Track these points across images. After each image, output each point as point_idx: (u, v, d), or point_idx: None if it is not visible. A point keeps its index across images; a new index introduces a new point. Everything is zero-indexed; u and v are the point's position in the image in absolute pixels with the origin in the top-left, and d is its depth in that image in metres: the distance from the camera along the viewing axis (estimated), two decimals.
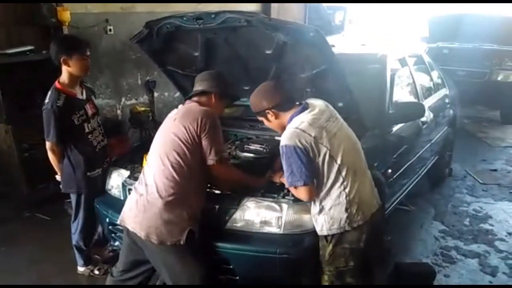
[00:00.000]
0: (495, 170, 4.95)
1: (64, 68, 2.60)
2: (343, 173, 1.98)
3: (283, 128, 2.06)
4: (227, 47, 2.63)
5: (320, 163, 1.96)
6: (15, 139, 3.81)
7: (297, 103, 2.12)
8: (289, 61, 2.49)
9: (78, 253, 2.94)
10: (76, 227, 2.87)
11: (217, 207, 2.24)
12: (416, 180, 3.66)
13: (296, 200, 2.12)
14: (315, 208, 2.05)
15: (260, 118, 2.21)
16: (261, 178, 2.29)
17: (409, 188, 3.49)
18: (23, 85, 3.84)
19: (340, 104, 2.58)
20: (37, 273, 3.02)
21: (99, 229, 3.07)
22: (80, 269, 2.97)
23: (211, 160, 2.06)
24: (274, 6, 6.92)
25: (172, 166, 2.04)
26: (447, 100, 4.34)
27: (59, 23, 4.21)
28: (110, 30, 4.80)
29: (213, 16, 2.32)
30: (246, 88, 2.88)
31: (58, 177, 2.78)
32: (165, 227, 1.99)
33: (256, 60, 2.64)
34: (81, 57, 2.59)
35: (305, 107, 2.06)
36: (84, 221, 2.83)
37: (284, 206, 2.16)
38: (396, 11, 13.93)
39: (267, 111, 2.09)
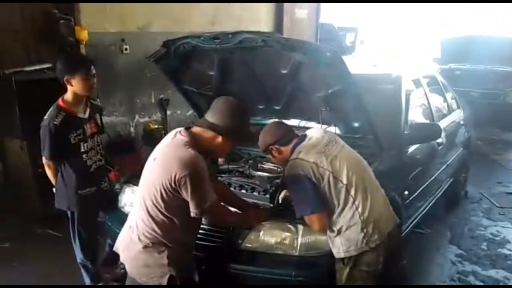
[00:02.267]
0: (511, 193, 4.85)
1: (68, 87, 2.59)
2: (352, 193, 1.97)
3: (287, 161, 2.10)
4: (243, 67, 2.65)
5: (326, 187, 1.97)
6: (29, 155, 3.84)
7: (297, 135, 2.19)
8: (305, 80, 2.50)
9: (84, 271, 2.90)
10: (76, 244, 2.83)
11: (231, 227, 2.20)
12: (432, 202, 3.59)
13: None
14: (331, 230, 2.02)
15: (268, 156, 2.28)
16: (262, 212, 2.22)
17: (425, 210, 3.42)
18: (40, 102, 3.88)
19: (356, 124, 2.59)
20: None
21: (107, 247, 3.05)
22: None
23: (192, 212, 1.85)
24: (286, 25, 6.99)
25: (148, 211, 1.88)
26: (462, 122, 4.30)
27: (77, 41, 4.30)
28: (126, 49, 4.89)
29: (230, 36, 2.34)
30: (261, 107, 2.90)
31: (54, 190, 2.77)
32: (145, 270, 1.91)
33: (271, 79, 2.65)
34: (84, 76, 2.55)
35: (303, 138, 2.14)
36: (81, 239, 2.79)
37: (300, 227, 2.13)
38: (408, 31, 14.00)
39: (270, 147, 2.17)
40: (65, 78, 2.55)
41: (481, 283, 3.14)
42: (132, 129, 5.24)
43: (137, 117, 5.29)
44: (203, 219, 2.08)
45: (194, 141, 1.89)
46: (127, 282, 2.16)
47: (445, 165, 3.74)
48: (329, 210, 1.99)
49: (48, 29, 4.24)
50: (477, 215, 4.29)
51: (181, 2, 5.30)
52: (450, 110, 4.15)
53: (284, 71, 2.49)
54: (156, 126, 5.15)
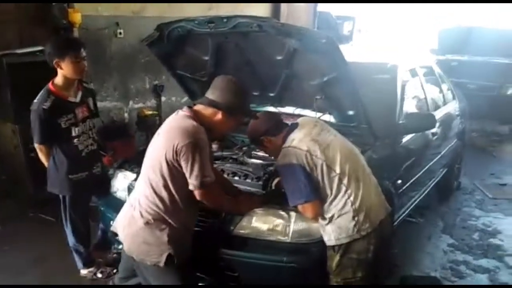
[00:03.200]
0: (505, 184, 4.88)
1: (58, 70, 2.55)
2: (345, 181, 1.97)
3: (279, 151, 2.07)
4: (238, 52, 2.62)
5: (320, 176, 1.96)
6: (22, 139, 3.80)
7: (288, 124, 2.17)
8: (300, 67, 2.47)
9: (76, 255, 2.90)
10: (68, 228, 2.83)
11: (223, 213, 2.20)
12: (425, 192, 3.60)
13: None
14: (322, 218, 2.02)
15: (260, 148, 2.29)
16: (254, 201, 2.20)
17: (418, 200, 3.43)
18: (32, 85, 3.83)
19: (351, 113, 2.57)
20: (39, 274, 2.99)
21: (99, 232, 3.04)
22: (83, 271, 2.93)
23: (191, 185, 1.87)
24: (283, 13, 6.93)
25: (152, 186, 1.91)
26: (457, 113, 4.30)
27: (70, 24, 4.23)
28: (120, 33, 4.83)
29: (225, 20, 2.31)
30: (256, 93, 2.87)
31: (47, 173, 2.76)
32: (144, 247, 1.91)
33: (266, 66, 2.62)
34: (74, 59, 2.51)
35: (294, 127, 2.12)
36: (73, 223, 2.79)
37: (292, 214, 2.12)
38: (406, 21, 13.94)
39: (261, 138, 2.15)
40: (54, 61, 2.51)
41: (472, 272, 3.16)
42: (126, 114, 5.20)
43: (131, 102, 5.25)
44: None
45: (196, 117, 1.95)
46: (124, 260, 2.17)
47: (439, 156, 3.74)
48: (321, 198, 1.98)
49: (41, 11, 4.16)
50: (470, 206, 4.31)
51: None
52: (446, 101, 4.14)
53: (279, 58, 2.46)
54: (150, 112, 5.12)
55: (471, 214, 4.12)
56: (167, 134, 1.92)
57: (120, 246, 2.71)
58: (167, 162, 1.86)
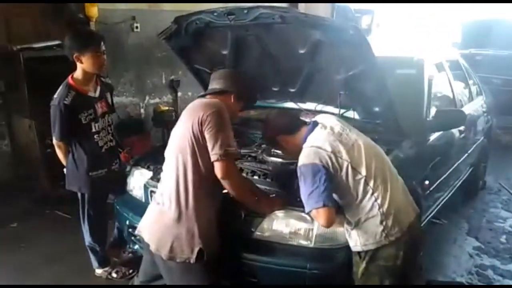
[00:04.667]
0: None
1: (78, 65, 2.50)
2: (371, 184, 1.83)
3: (299, 151, 1.93)
4: (258, 46, 2.50)
5: (344, 178, 1.83)
6: (38, 134, 3.78)
7: (305, 122, 2.07)
8: (324, 61, 2.35)
9: (92, 254, 2.85)
10: (85, 227, 2.78)
11: (243, 214, 2.10)
12: (451, 192, 3.45)
13: None
14: (348, 222, 1.91)
15: (278, 149, 2.22)
16: (276, 201, 2.09)
17: (444, 200, 3.28)
18: (49, 80, 3.80)
19: (376, 109, 2.44)
20: (54, 273, 2.94)
21: (115, 230, 2.99)
22: (98, 271, 2.88)
23: (214, 155, 1.82)
24: (300, 6, 6.78)
25: (183, 173, 1.88)
26: (484, 109, 4.12)
27: (87, 18, 4.19)
28: (136, 27, 4.78)
29: (245, 11, 2.20)
30: (276, 89, 2.76)
31: (65, 171, 2.71)
32: (175, 243, 1.85)
33: (288, 60, 2.50)
34: (94, 53, 2.47)
35: (315, 124, 1.98)
36: (91, 221, 2.73)
37: None
38: (427, 15, 13.58)
39: (277, 138, 2.06)
40: (74, 55, 2.46)
41: (500, 278, 3.01)
42: (142, 110, 5.16)
43: (147, 98, 5.20)
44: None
45: None
46: (145, 264, 2.10)
47: (466, 154, 3.58)
48: (347, 202, 1.87)
49: (58, 5, 4.12)
50: (496, 207, 4.14)
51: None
52: (473, 97, 3.97)
53: (301, 51, 2.34)
54: (166, 108, 5.05)
55: (497, 216, 3.95)
56: (190, 113, 1.95)
57: (136, 247, 2.67)
58: (194, 136, 1.85)
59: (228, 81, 2.07)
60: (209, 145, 1.84)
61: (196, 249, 1.83)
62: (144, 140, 4.60)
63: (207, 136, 1.84)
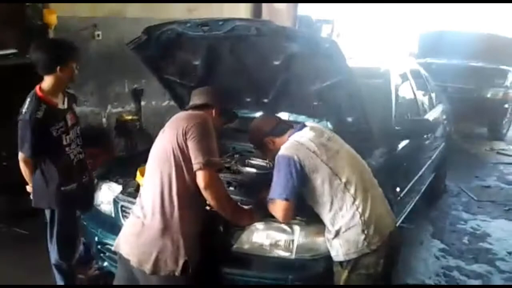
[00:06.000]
0: (488, 186, 4.96)
1: (54, 75, 2.37)
2: (352, 191, 1.86)
3: None
4: (231, 56, 2.47)
5: (319, 181, 1.86)
6: None
7: (292, 126, 2.12)
8: (298, 72, 2.35)
9: (58, 273, 2.68)
10: (53, 244, 2.62)
11: (221, 227, 2.06)
12: (418, 197, 3.56)
13: (309, 222, 1.97)
14: (328, 232, 1.92)
15: (263, 152, 2.22)
16: (255, 214, 2.06)
17: (411, 205, 3.38)
18: (4, 90, 3.59)
19: (350, 119, 2.48)
20: None
21: (81, 247, 2.84)
22: None
23: (197, 164, 1.81)
24: (264, 16, 6.83)
25: (167, 183, 1.84)
26: (444, 116, 4.30)
27: (45, 25, 3.99)
28: (98, 35, 4.60)
29: (220, 23, 2.17)
30: (249, 99, 2.75)
31: (29, 188, 2.55)
32: (160, 255, 1.80)
33: (261, 71, 2.48)
34: (76, 64, 2.42)
35: (302, 127, 2.05)
36: (59, 238, 2.58)
37: (296, 228, 2.00)
38: (385, 25, 14.11)
39: (264, 140, 2.09)
40: (58, 68, 2.33)
41: (466, 278, 3.13)
42: (104, 119, 4.97)
43: (109, 107, 5.01)
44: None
45: None
46: (121, 281, 2.00)
47: (430, 160, 3.72)
48: (326, 210, 1.88)
49: (13, 11, 3.91)
50: (457, 209, 4.33)
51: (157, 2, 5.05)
52: (434, 104, 4.14)
53: (276, 62, 2.33)
54: (130, 117, 4.91)
55: (459, 217, 4.14)
56: (174, 123, 1.95)
57: (105, 263, 2.55)
58: (178, 147, 1.85)
59: (209, 96, 2.11)
60: (192, 155, 1.83)
61: (181, 261, 1.78)
62: (107, 151, 4.43)
63: (190, 146, 1.84)
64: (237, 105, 2.74)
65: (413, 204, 3.42)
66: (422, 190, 3.73)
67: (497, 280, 3.13)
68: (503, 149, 6.47)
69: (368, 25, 13.87)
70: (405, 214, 3.21)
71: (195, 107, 2.07)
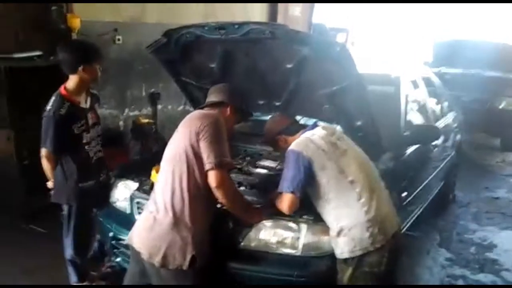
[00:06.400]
0: (498, 198, 4.93)
1: (77, 75, 2.51)
2: (358, 190, 1.94)
3: None
4: (246, 59, 2.58)
5: (326, 178, 1.94)
6: (16, 145, 3.70)
7: (305, 126, 2.22)
8: (310, 76, 2.43)
9: (72, 268, 2.79)
10: (68, 239, 2.74)
11: (231, 224, 2.14)
12: (425, 205, 3.59)
13: (316, 220, 2.04)
14: (333, 229, 1.99)
15: (276, 150, 2.33)
16: (264, 212, 2.15)
17: (418, 213, 3.42)
18: (29, 91, 3.75)
19: (358, 123, 2.55)
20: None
21: (95, 244, 2.95)
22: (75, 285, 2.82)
23: (209, 164, 1.88)
24: (280, 7, 6.93)
25: (179, 181, 1.93)
26: (455, 125, 4.33)
27: (68, 29, 4.17)
28: (118, 39, 4.76)
29: (236, 26, 2.27)
30: (261, 102, 2.84)
31: (50, 184, 2.67)
32: (168, 250, 1.88)
33: (274, 74, 2.58)
34: (99, 64, 2.56)
35: (314, 127, 2.15)
36: (76, 233, 2.69)
37: (303, 226, 2.08)
38: (400, 34, 14.13)
39: (277, 137, 2.18)
40: (81, 66, 2.47)
41: None
42: (121, 122, 5.12)
43: (127, 110, 5.16)
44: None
45: None
46: (132, 274, 2.09)
47: (439, 168, 3.75)
48: (333, 207, 1.96)
49: (39, 15, 4.09)
50: (465, 219, 4.32)
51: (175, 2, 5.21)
52: (445, 112, 4.17)
53: (288, 66, 2.42)
54: (146, 121, 5.03)
55: (467, 228, 4.13)
56: (188, 123, 2.02)
57: (118, 260, 2.65)
58: (191, 146, 1.92)
59: (225, 94, 2.16)
60: (204, 155, 1.90)
61: (189, 256, 1.86)
62: (122, 153, 4.56)
63: (202, 146, 1.90)
64: (251, 106, 2.85)
65: (420, 211, 3.45)
66: (430, 198, 3.75)
67: None
68: None
69: (383, 34, 13.91)
70: (412, 220, 3.25)
71: (211, 105, 2.15)
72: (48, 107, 2.48)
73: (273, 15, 6.96)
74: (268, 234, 2.12)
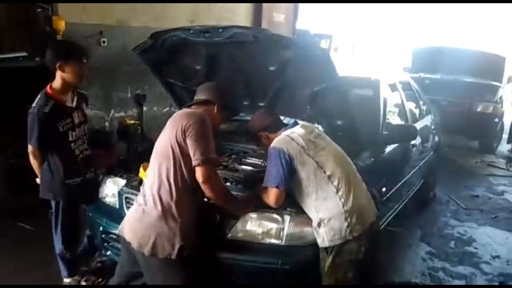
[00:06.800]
0: (477, 196, 5.11)
1: (59, 74, 2.55)
2: (335, 183, 2.06)
3: None
4: (230, 62, 2.68)
5: (305, 173, 2.05)
6: (1, 145, 3.71)
7: (286, 124, 2.31)
8: (292, 77, 2.55)
9: (62, 263, 2.84)
10: (57, 235, 2.78)
11: (218, 217, 2.23)
12: (404, 202, 3.73)
13: (298, 213, 2.14)
14: (314, 221, 2.09)
15: (259, 146, 2.41)
16: (250, 205, 2.24)
17: (398, 209, 3.55)
18: (14, 91, 3.77)
19: (339, 122, 2.66)
20: (23, 282, 2.87)
21: (85, 239, 2.99)
22: (66, 280, 2.85)
23: (195, 160, 1.96)
24: (265, 8, 7.06)
25: (166, 176, 2.00)
26: (432, 126, 4.50)
27: (54, 31, 4.20)
28: (103, 42, 4.80)
29: (220, 30, 2.37)
30: (246, 103, 2.93)
31: (38, 180, 2.72)
32: (158, 239, 1.95)
33: (258, 76, 2.69)
34: (77, 63, 2.54)
35: (294, 125, 2.25)
36: (64, 229, 2.74)
37: (287, 217, 2.18)
38: (381, 41, 14.48)
39: (259, 134, 2.28)
40: (58, 64, 2.51)
41: (450, 278, 3.28)
42: (107, 123, 5.15)
43: (112, 111, 5.19)
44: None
45: None
46: (123, 263, 2.16)
47: (417, 167, 3.89)
48: (313, 200, 2.07)
49: (24, 17, 4.12)
50: (445, 216, 4.48)
51: (162, 2, 5.28)
52: (422, 115, 4.33)
53: (271, 68, 2.54)
54: (132, 122, 5.07)
55: (447, 224, 4.28)
56: (174, 121, 2.08)
57: (109, 253, 2.71)
58: (177, 144, 1.98)
59: (212, 92, 2.22)
60: (191, 152, 1.97)
61: (177, 246, 1.94)
62: (109, 153, 4.58)
63: (189, 143, 1.98)
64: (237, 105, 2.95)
65: (400, 207, 3.58)
66: (410, 195, 3.89)
67: (480, 281, 3.27)
68: (493, 162, 6.66)
69: (365, 41, 14.23)
70: (392, 215, 3.38)
71: (199, 103, 2.22)
72: (33, 104, 2.54)
73: (258, 20, 7.08)
74: (254, 225, 2.22)
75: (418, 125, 4.00)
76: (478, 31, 12.72)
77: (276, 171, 2.03)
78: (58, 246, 2.77)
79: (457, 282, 3.24)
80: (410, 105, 4.09)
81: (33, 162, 2.63)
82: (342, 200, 2.03)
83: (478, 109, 6.75)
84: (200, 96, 2.25)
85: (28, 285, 2.75)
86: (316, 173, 2.04)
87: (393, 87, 3.73)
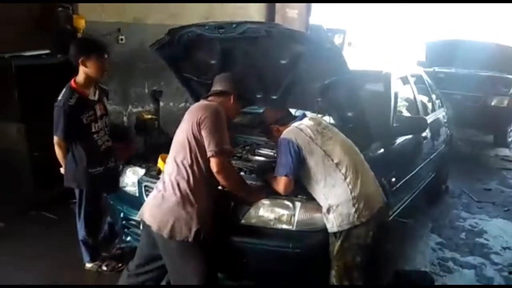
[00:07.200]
0: (490, 189, 5.12)
1: (81, 69, 2.72)
2: (343, 171, 2.16)
3: None
4: (244, 56, 2.78)
5: (314, 162, 2.17)
6: (26, 138, 3.89)
7: (296, 117, 2.43)
8: (303, 71, 2.64)
9: (84, 248, 3.00)
10: (81, 222, 2.94)
11: (232, 203, 2.35)
12: (415, 193, 3.78)
13: (309, 199, 2.24)
14: (323, 207, 2.20)
15: (270, 138, 2.54)
16: (263, 192, 2.34)
17: (409, 200, 3.61)
18: (38, 87, 3.94)
19: (349, 114, 2.74)
20: (43, 269, 3.04)
21: (106, 226, 3.16)
22: (88, 265, 3.01)
23: (210, 151, 2.07)
24: (277, 7, 7.13)
25: (183, 165, 2.12)
26: (444, 120, 4.53)
27: (74, 30, 4.36)
28: (121, 39, 4.96)
29: (234, 26, 2.47)
30: (259, 96, 3.03)
31: (62, 170, 2.88)
32: (176, 223, 2.07)
33: (270, 69, 2.78)
34: (98, 59, 2.71)
35: (302, 117, 2.37)
36: (86, 215, 2.90)
37: (297, 204, 2.29)
38: (394, 35, 14.39)
39: (271, 126, 2.40)
40: (80, 59, 2.66)
41: (460, 268, 3.33)
42: (125, 118, 5.31)
43: (130, 106, 5.36)
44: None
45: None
46: (142, 246, 2.29)
47: (428, 159, 3.94)
48: (322, 187, 2.18)
49: (46, 16, 4.29)
50: (457, 208, 4.51)
51: (177, 2, 5.41)
52: (435, 108, 4.37)
53: (283, 62, 2.62)
54: (149, 116, 5.23)
55: (458, 216, 4.31)
56: (191, 114, 2.19)
57: (129, 239, 2.85)
58: (193, 135, 2.09)
59: (228, 83, 2.31)
60: (206, 143, 2.09)
61: (194, 229, 2.06)
62: (128, 147, 4.74)
63: (204, 134, 2.09)
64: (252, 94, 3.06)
65: (411, 199, 3.64)
66: (421, 187, 3.94)
67: (489, 271, 3.32)
68: (507, 156, 6.62)
69: (379, 35, 14.16)
70: (403, 206, 3.44)
71: (216, 94, 2.31)
72: (59, 98, 2.70)
73: (271, 16, 7.16)
74: (266, 211, 2.33)
75: (430, 118, 4.04)
76: (492, 23, 12.53)
77: (285, 161, 2.15)
78: (81, 232, 2.93)
79: (466, 272, 3.29)
80: (422, 98, 4.14)
81: (58, 153, 2.79)
82: (350, 186, 2.12)
83: (493, 103, 6.70)
84: (216, 87, 2.34)
85: (28, 285, 2.88)
86: (324, 161, 2.15)
87: (404, 80, 3.78)
